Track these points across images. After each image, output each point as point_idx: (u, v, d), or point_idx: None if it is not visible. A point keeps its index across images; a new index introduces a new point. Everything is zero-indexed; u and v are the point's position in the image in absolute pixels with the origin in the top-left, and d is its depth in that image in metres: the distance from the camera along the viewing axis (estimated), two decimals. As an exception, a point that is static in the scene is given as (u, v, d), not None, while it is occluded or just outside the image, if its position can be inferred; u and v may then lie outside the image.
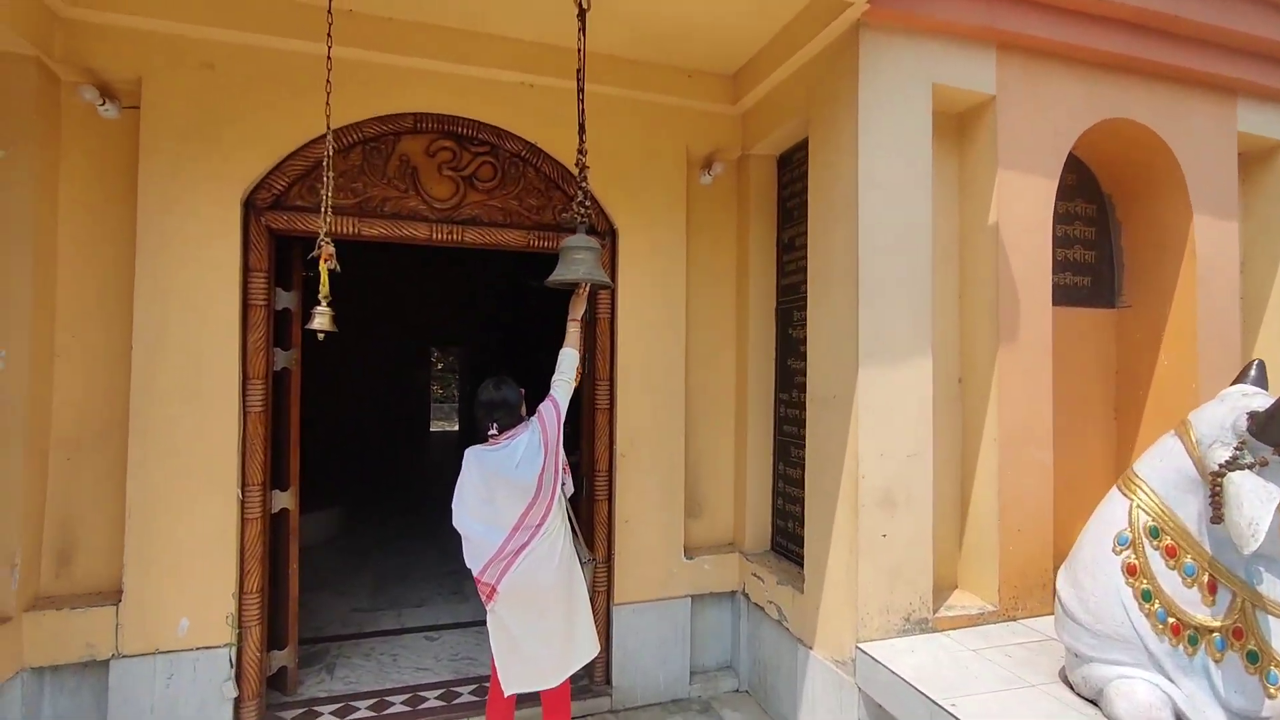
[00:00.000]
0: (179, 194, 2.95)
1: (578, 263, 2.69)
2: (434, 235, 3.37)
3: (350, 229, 3.23)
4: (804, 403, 3.55)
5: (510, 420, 2.57)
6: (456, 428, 15.79)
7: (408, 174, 3.37)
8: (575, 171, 2.63)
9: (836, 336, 2.96)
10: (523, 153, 3.53)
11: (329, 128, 2.50)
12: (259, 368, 3.11)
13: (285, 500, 3.40)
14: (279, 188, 3.14)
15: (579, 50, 2.64)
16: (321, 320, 2.54)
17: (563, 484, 2.54)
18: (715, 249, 4.02)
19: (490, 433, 2.54)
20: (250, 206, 3.11)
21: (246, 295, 3.09)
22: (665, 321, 3.76)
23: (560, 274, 2.67)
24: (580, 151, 2.66)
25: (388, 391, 12.68)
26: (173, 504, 2.93)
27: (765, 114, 3.70)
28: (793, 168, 3.78)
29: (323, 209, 2.53)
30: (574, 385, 2.70)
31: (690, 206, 3.88)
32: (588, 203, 2.72)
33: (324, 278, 2.57)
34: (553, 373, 2.70)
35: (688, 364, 3.85)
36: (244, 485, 3.07)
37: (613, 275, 3.69)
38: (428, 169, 3.41)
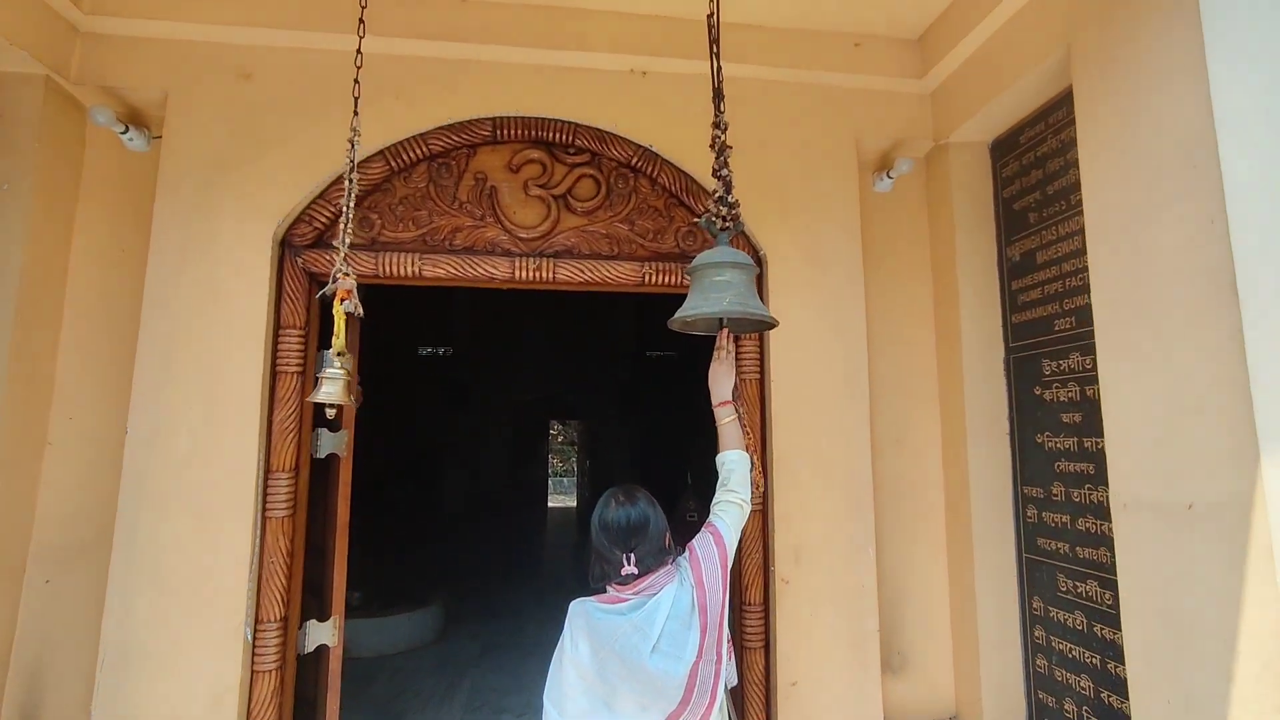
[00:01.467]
0: (198, 231, 2.30)
1: (718, 289, 1.67)
2: (518, 274, 2.51)
3: (409, 269, 2.44)
4: (1071, 502, 2.21)
5: (654, 558, 1.49)
6: (574, 503, 15.03)
7: (484, 196, 2.56)
8: (706, 176, 1.71)
9: (1177, 396, 1.67)
10: (633, 160, 2.63)
11: (356, 111, 1.72)
12: (287, 457, 2.31)
13: (324, 634, 2.51)
14: (323, 221, 2.43)
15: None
16: (329, 391, 1.69)
17: (725, 675, 1.41)
18: (901, 280, 2.86)
19: (626, 571, 1.46)
20: (286, 246, 2.41)
21: (275, 360, 2.34)
22: (839, 384, 2.60)
23: (693, 308, 1.65)
24: (716, 125, 1.72)
25: (497, 469, 12.29)
26: (157, 648, 2.11)
27: (972, 82, 2.57)
28: (1021, 152, 2.58)
29: (342, 227, 1.72)
30: (749, 510, 1.61)
31: (864, 223, 2.77)
32: (731, 197, 1.73)
33: (338, 325, 1.74)
34: (695, 479, 1.64)
35: (874, 445, 2.63)
36: (256, 622, 2.21)
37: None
38: (510, 188, 2.59)
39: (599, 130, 2.61)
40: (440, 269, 2.46)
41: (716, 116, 1.87)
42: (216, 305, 2.27)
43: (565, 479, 20.10)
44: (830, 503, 2.54)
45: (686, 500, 5.90)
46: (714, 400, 1.75)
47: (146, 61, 2.36)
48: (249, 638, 2.18)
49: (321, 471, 2.60)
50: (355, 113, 1.74)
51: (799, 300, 2.63)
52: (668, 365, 13.19)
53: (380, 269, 2.42)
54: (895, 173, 2.77)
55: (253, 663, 2.19)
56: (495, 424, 12.20)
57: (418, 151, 2.50)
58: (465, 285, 2.54)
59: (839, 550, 2.52)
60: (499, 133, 2.56)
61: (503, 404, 12.21)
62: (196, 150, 2.34)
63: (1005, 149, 2.67)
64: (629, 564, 1.46)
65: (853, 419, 2.59)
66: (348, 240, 1.75)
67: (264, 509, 2.26)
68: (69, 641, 2.21)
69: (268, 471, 2.28)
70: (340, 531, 2.59)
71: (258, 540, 2.22)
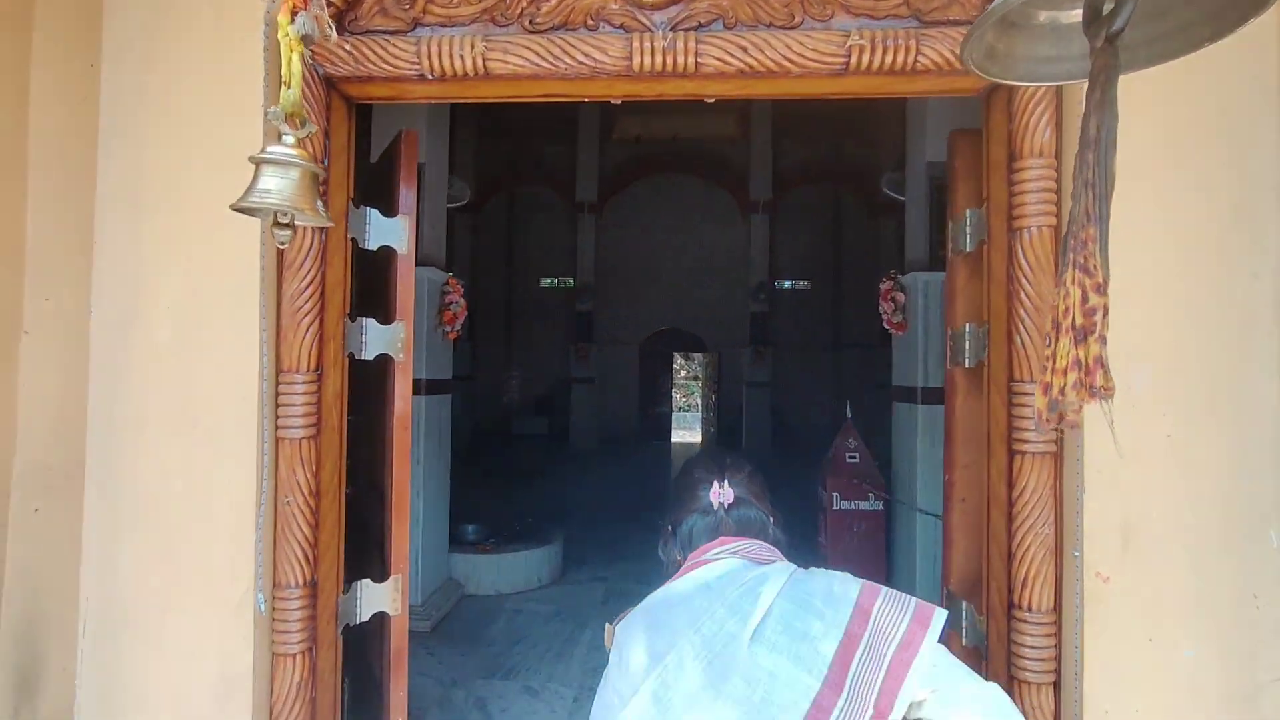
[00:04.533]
0: (166, 25, 1.55)
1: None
2: (639, 61, 1.53)
3: (468, 63, 1.54)
4: None
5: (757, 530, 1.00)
6: (699, 438, 14.39)
7: (582, -61, 1.59)
8: None
9: None
10: None
11: None
12: (304, 353, 1.56)
13: (382, 599, 1.83)
14: (343, -5, 1.58)
15: None
16: (270, 188, 0.88)
17: None
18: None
19: (717, 496, 0.99)
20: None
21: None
22: (1222, 222, 1.41)
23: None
24: None
25: (625, 404, 12.06)
26: (145, 615, 1.51)
27: None
28: None
29: None
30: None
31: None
32: None
33: (288, 65, 0.88)
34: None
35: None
36: (275, 586, 1.54)
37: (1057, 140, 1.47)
38: (623, -76, 1.59)
39: None
40: (515, 59, 1.54)
41: None
42: (191, 128, 1.53)
43: (688, 413, 19.48)
44: (1193, 441, 1.41)
45: (846, 438, 4.84)
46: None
47: None
48: (261, 609, 1.51)
49: (372, 379, 1.87)
50: None
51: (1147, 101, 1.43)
52: (801, 296, 12.01)
53: (425, 63, 1.55)
54: None
55: (271, 642, 1.54)
56: (620, 358, 12.02)
57: (477, -127, 1.56)
58: (555, 95, 1.63)
59: (1208, 529, 1.40)
60: None
61: (627, 337, 11.98)
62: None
63: None
64: (720, 485, 0.97)
65: (1242, 284, 1.41)
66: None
67: (276, 426, 1.55)
68: (68, 586, 1.69)
69: (279, 372, 1.56)
70: (398, 462, 1.87)
71: (266, 470, 1.52)
